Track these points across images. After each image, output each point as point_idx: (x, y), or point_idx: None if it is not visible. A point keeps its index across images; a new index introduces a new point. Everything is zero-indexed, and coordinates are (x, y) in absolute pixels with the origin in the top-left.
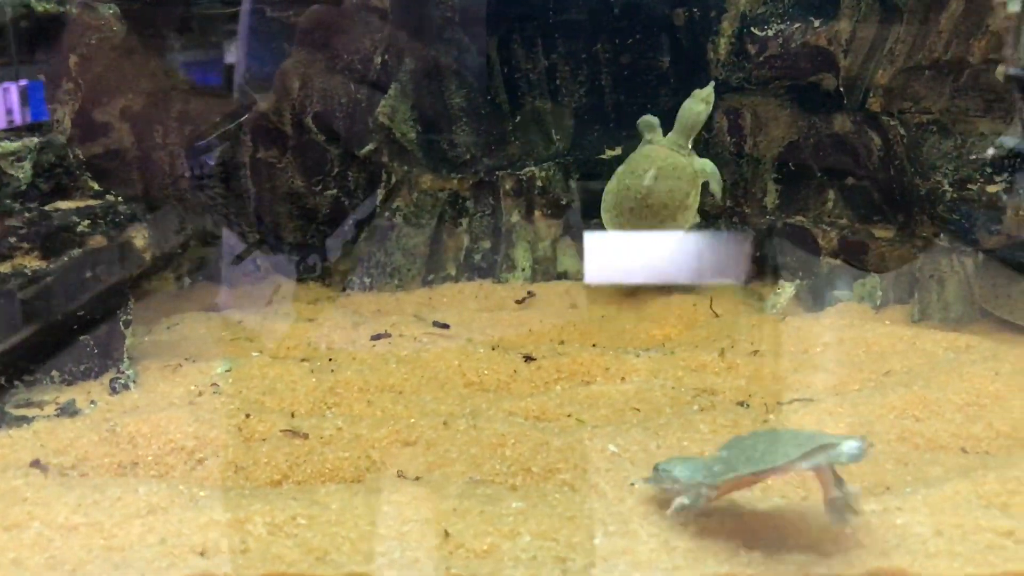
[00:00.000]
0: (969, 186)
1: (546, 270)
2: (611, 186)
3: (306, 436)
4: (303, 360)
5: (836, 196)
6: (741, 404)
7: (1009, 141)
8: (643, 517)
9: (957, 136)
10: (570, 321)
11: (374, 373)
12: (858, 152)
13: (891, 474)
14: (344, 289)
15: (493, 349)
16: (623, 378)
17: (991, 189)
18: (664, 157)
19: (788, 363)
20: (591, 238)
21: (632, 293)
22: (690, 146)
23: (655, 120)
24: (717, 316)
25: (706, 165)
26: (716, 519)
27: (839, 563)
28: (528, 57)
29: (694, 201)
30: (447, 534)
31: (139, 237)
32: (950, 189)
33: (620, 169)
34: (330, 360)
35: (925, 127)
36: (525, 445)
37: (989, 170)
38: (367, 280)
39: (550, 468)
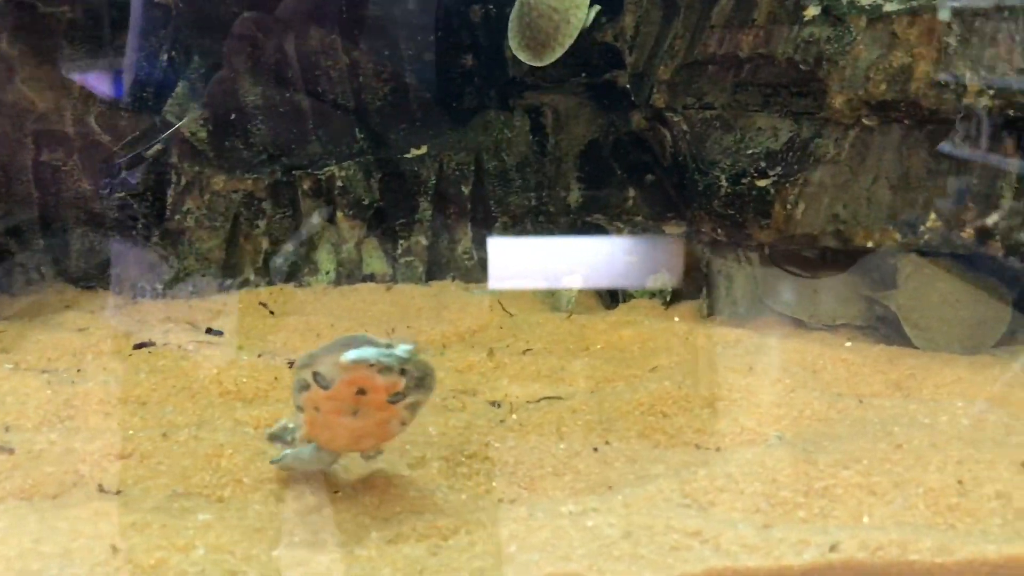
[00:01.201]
0: (743, 181)
1: (351, 272)
2: (514, 12)
3: (12, 451)
4: (43, 372)
5: (636, 193)
6: (494, 404)
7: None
8: (338, 526)
9: (737, 131)
10: (362, 324)
11: (121, 384)
12: (655, 150)
13: (618, 472)
14: (134, 296)
15: (260, 356)
16: None
17: (761, 183)
18: None
19: (557, 362)
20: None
21: (437, 294)
22: None
23: None
24: (511, 316)
25: None
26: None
27: (514, 570)
28: (328, 54)
29: (577, 21)
30: (115, 549)
31: None
32: (726, 184)
33: None
34: (78, 371)
35: (709, 122)
36: (242, 455)
37: (763, 164)
38: (159, 287)
39: (262, 478)
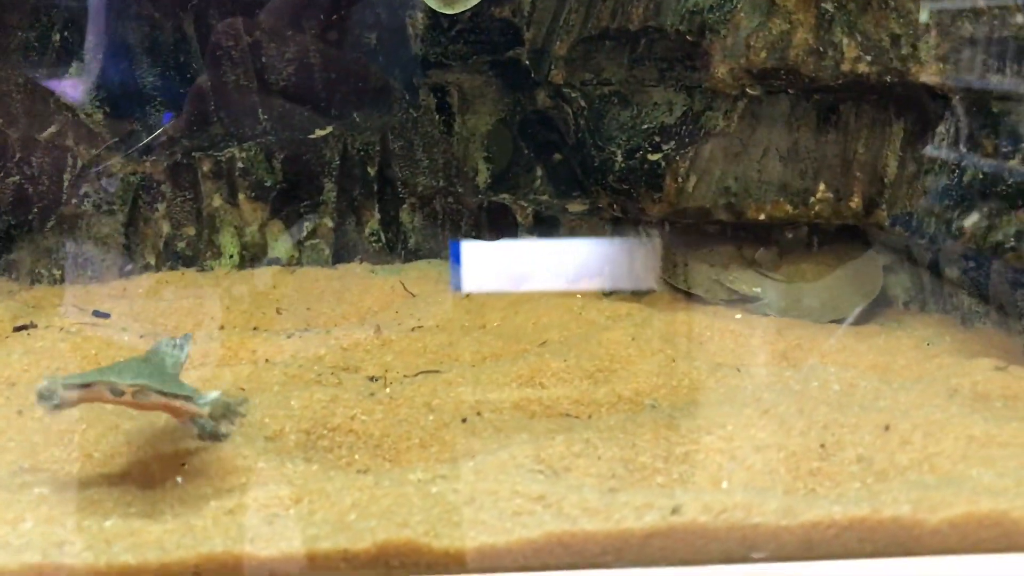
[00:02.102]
0: (636, 155)
1: (255, 256)
2: None
3: None
4: None
5: (543, 173)
6: (372, 379)
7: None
8: (178, 497)
9: (634, 106)
10: (258, 307)
11: None
12: (559, 127)
13: (483, 443)
14: (32, 283)
15: (141, 337)
16: (267, 360)
17: (653, 157)
18: None
19: (445, 338)
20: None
21: (342, 276)
22: None
23: None
24: (413, 296)
25: None
26: None
27: (345, 538)
28: (228, 34)
29: None
30: None
31: None
32: (620, 159)
33: None
34: None
35: (606, 98)
36: (96, 430)
37: (657, 139)
38: (57, 272)
39: (113, 453)
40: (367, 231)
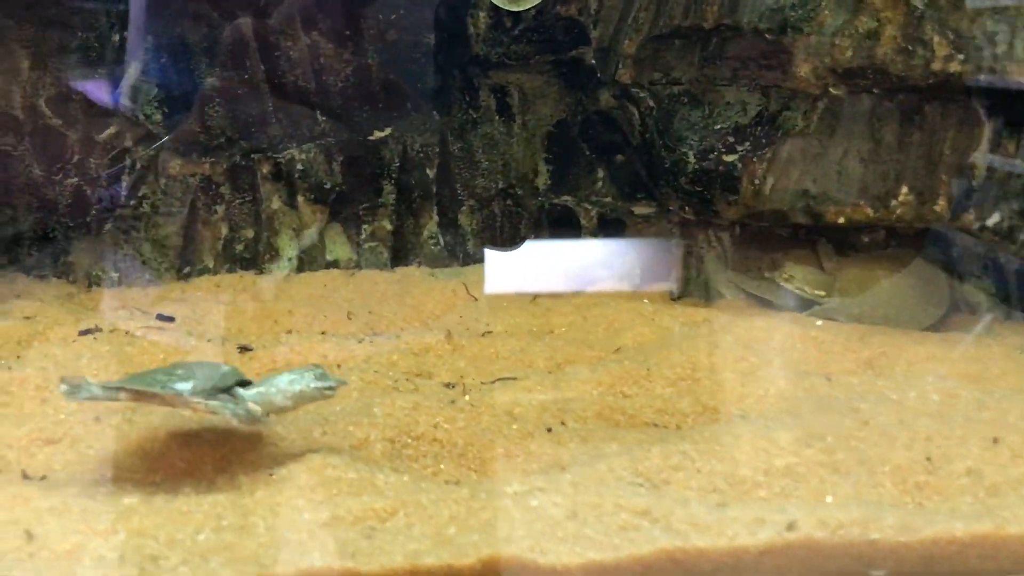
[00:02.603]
0: (710, 156)
1: (314, 259)
2: None
3: None
4: None
5: (605, 174)
6: (448, 385)
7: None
8: (270, 509)
9: (706, 106)
10: (319, 310)
11: (60, 370)
12: (623, 128)
13: (570, 454)
14: (90, 286)
15: (208, 341)
16: (339, 365)
17: (728, 159)
18: None
19: (516, 344)
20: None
21: (401, 280)
22: None
23: None
24: (476, 300)
25: None
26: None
27: (448, 552)
28: (287, 35)
29: None
30: (30, 535)
31: None
32: (693, 160)
33: None
34: (18, 358)
35: (676, 98)
36: (176, 439)
37: (731, 140)
38: (115, 275)
39: (196, 461)
40: (425, 234)
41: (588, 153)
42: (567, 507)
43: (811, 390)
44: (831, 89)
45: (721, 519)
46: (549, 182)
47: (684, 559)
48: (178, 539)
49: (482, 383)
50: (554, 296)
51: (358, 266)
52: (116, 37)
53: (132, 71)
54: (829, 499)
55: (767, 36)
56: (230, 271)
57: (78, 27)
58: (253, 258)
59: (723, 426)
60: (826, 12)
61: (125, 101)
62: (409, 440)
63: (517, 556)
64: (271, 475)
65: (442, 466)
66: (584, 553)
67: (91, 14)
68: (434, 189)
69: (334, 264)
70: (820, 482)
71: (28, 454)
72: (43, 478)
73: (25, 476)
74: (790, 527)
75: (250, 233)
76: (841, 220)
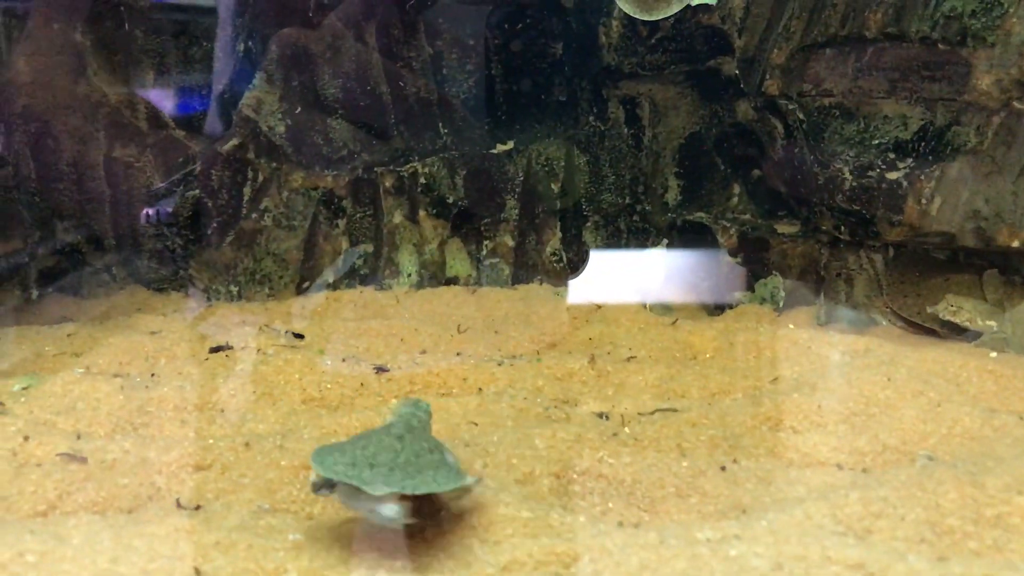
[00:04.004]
0: (869, 173)
1: (434, 275)
2: None
3: (84, 460)
4: (116, 376)
5: (741, 190)
6: (601, 415)
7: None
8: (442, 550)
9: (860, 120)
10: (446, 329)
11: (198, 390)
12: (762, 142)
13: (750, 495)
14: (208, 299)
15: (344, 361)
16: (480, 389)
17: (892, 176)
18: None
19: (664, 371)
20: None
21: (524, 297)
22: None
23: None
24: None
25: None
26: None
27: None
28: (410, 44)
29: None
30: (198, 572)
31: None
32: (850, 177)
33: None
34: (152, 376)
35: (827, 111)
36: None
37: (892, 156)
38: (234, 289)
39: None
40: (548, 250)
41: (723, 168)
42: (771, 558)
43: (1002, 429)
44: (1016, 103)
45: (946, 574)
46: (680, 198)
47: None
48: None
49: (639, 414)
50: (693, 318)
51: (478, 283)
52: (241, 47)
53: (256, 82)
54: None
55: (939, 46)
56: (349, 286)
57: (202, 36)
58: (373, 273)
59: (926, 471)
60: (1014, 20)
61: (248, 112)
62: (575, 476)
63: None
64: (439, 511)
65: (610, 504)
66: None
67: (214, 24)
68: (558, 204)
69: (453, 280)
70: None
71: (178, 480)
72: (198, 508)
73: (179, 505)
74: None
75: (369, 248)
76: (1016, 243)
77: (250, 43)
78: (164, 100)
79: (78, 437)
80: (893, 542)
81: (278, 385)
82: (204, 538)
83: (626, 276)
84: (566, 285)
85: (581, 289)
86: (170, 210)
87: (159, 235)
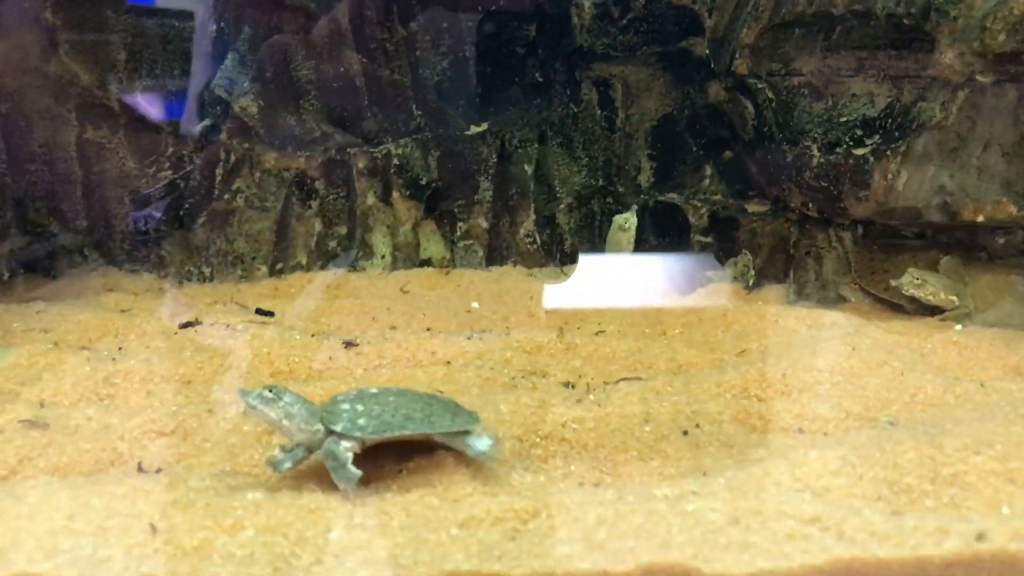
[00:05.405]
0: (837, 150)
1: (408, 257)
2: None
3: (46, 426)
4: (83, 349)
5: (713, 171)
6: (567, 385)
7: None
8: (404, 508)
9: (828, 98)
10: (418, 308)
11: (164, 362)
12: (733, 122)
13: (711, 458)
14: (182, 280)
15: (313, 336)
16: (448, 361)
17: (858, 152)
18: None
19: (632, 344)
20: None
21: (498, 279)
22: None
23: None
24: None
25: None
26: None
27: (606, 558)
28: (384, 26)
29: None
30: (154, 528)
31: None
32: (818, 154)
33: None
34: (120, 350)
35: (796, 90)
36: None
37: (860, 132)
38: (207, 270)
39: (319, 457)
40: (522, 232)
41: (695, 149)
42: (727, 513)
43: (964, 396)
44: (978, 77)
45: (900, 528)
46: (652, 179)
47: (862, 569)
48: (308, 537)
49: (605, 383)
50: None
51: (452, 264)
52: (212, 27)
53: (228, 63)
54: (1006, 510)
55: (905, 22)
56: (323, 268)
57: (173, 17)
58: (346, 254)
59: (884, 432)
60: None
61: (220, 93)
62: (537, 439)
63: (680, 563)
64: (400, 471)
65: (572, 467)
66: (753, 562)
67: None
68: (531, 186)
69: (427, 262)
70: (995, 492)
71: (140, 446)
72: (159, 471)
73: (140, 469)
74: (980, 538)
75: (343, 230)
76: (980, 218)
77: (222, 24)
78: (137, 81)
79: (41, 406)
80: (850, 499)
81: (246, 359)
82: (162, 497)
83: (607, 281)
84: (537, 267)
85: (561, 294)
86: (144, 191)
87: (131, 215)
